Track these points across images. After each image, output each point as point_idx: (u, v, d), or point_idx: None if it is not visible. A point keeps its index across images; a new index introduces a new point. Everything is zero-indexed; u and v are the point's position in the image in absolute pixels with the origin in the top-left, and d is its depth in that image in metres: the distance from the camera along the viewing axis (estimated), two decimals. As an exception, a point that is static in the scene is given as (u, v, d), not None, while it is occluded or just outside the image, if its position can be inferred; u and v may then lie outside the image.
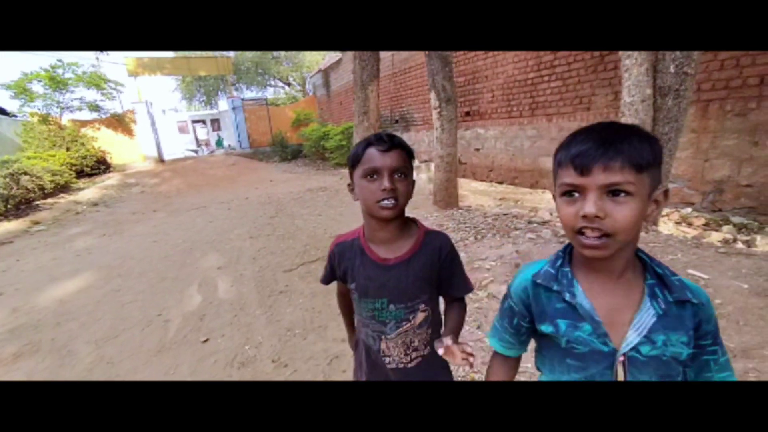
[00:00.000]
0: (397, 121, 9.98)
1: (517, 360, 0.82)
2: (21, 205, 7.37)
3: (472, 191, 6.07)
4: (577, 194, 0.59)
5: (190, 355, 2.33)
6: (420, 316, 0.96)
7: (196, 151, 19.29)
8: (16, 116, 12.08)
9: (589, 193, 0.57)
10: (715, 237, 3.09)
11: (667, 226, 3.51)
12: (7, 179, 7.08)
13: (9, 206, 6.98)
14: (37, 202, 7.90)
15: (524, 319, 0.73)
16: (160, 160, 15.12)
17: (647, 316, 0.60)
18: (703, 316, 0.61)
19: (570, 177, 0.59)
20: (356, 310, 1.04)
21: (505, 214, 4.32)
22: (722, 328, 1.81)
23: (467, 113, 7.28)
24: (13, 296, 3.45)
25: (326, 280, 1.08)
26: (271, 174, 10.53)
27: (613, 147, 0.56)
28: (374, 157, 0.86)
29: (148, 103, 14.81)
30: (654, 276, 0.62)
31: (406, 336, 0.97)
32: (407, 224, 0.98)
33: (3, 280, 3.91)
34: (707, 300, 0.61)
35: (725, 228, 3.35)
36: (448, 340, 0.80)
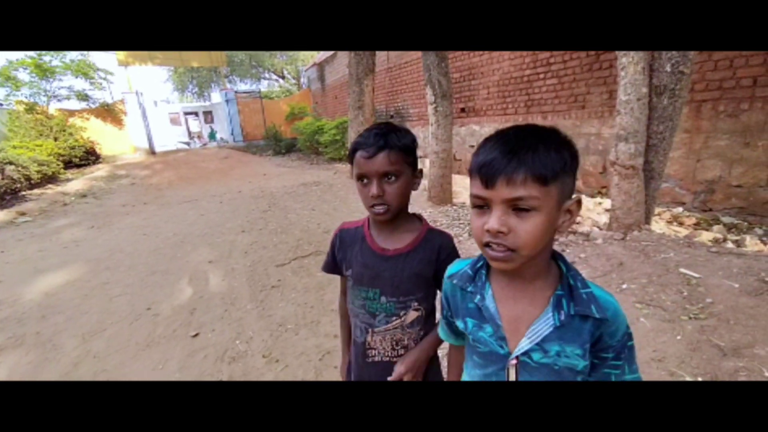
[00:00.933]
0: (392, 116, 9.93)
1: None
2: (6, 196, 7.19)
3: (466, 188, 6.03)
4: (486, 206, 0.57)
5: (179, 350, 2.29)
6: (412, 315, 0.94)
7: (188, 144, 19.02)
8: (1, 104, 11.79)
9: (494, 207, 0.56)
10: (705, 236, 3.12)
11: (659, 225, 3.54)
12: (-8, 169, 6.90)
13: (-7, 196, 6.81)
14: (24, 193, 7.72)
15: (448, 312, 0.76)
16: (152, 152, 14.88)
17: (544, 325, 0.61)
18: (606, 330, 0.60)
19: (477, 188, 0.58)
20: (349, 299, 1.02)
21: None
22: (713, 327, 1.83)
23: (462, 110, 7.26)
24: (-4, 288, 3.37)
25: (327, 267, 1.06)
26: (264, 168, 10.42)
27: (516, 158, 0.53)
28: (361, 162, 0.85)
29: (138, 94, 14.54)
30: (566, 286, 0.61)
31: (394, 333, 0.95)
32: (410, 220, 0.96)
33: (-14, 271, 3.81)
34: (614, 316, 0.60)
35: (715, 228, 3.38)
36: (400, 367, 0.93)
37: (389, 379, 0.95)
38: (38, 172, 8.27)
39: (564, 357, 0.60)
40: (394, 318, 0.94)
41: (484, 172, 0.56)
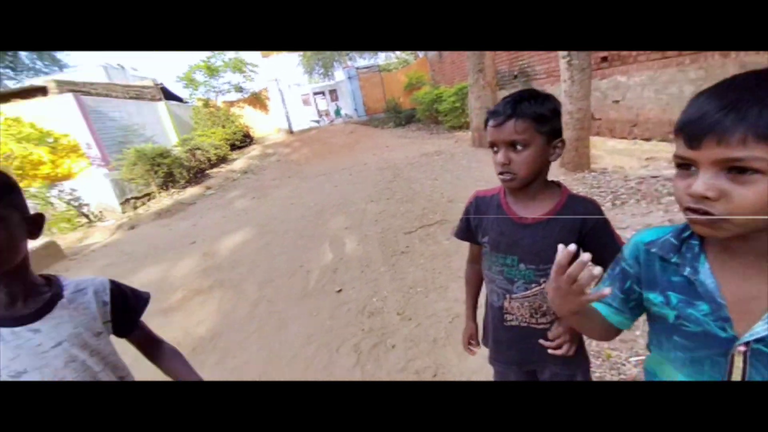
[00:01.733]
0: (516, 77, 9.10)
1: (617, 332, 0.74)
2: (197, 175, 9.31)
3: (608, 151, 5.28)
4: (691, 167, 0.51)
5: (328, 302, 2.72)
6: None
7: (318, 122, 21.09)
8: (188, 102, 15.00)
9: (702, 169, 0.49)
10: None
11: None
12: (188, 153, 8.99)
13: (190, 175, 8.90)
14: (207, 172, 9.86)
15: (637, 283, 0.67)
16: (290, 131, 17.03)
17: None
18: None
19: (680, 149, 0.51)
20: (485, 265, 1.04)
21: (654, 177, 3.67)
22: None
23: (604, 59, 6.20)
24: (202, 244, 4.50)
25: (461, 233, 1.09)
26: (386, 140, 10.90)
27: (734, 113, 0.45)
28: (490, 131, 0.89)
29: (277, 81, 16.61)
30: None
31: (534, 299, 0.95)
32: (549, 187, 0.94)
33: (194, 231, 5.11)
34: None
35: None
36: (558, 329, 0.92)
37: (541, 341, 0.96)
38: (215, 154, 10.43)
39: None
40: (534, 285, 0.94)
41: (689, 130, 0.50)
